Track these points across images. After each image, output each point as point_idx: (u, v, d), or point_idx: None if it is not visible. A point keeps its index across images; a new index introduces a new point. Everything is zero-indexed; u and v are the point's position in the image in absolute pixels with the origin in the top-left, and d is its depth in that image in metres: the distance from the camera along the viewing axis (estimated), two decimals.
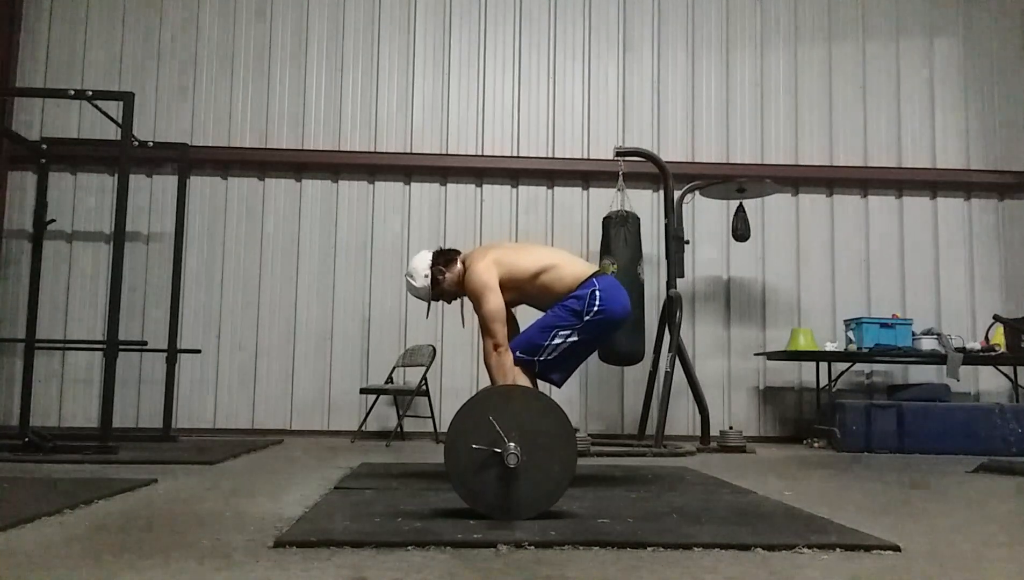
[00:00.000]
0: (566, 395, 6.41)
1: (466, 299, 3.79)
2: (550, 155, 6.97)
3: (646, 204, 6.88)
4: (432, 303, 3.91)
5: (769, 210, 7.02)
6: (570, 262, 3.65)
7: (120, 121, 5.08)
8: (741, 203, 6.47)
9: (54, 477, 3.59)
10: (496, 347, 3.45)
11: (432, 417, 6.35)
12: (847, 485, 3.85)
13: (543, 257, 3.64)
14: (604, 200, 6.65)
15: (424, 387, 6.19)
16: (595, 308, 3.46)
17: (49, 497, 2.92)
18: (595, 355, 5.64)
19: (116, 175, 6.00)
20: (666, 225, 6.11)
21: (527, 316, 3.78)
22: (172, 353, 6.12)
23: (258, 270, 6.78)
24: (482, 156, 6.92)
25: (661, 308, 6.10)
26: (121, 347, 5.29)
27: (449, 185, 6.94)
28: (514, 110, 7.04)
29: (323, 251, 6.82)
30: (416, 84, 7.03)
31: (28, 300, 5.63)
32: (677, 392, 6.09)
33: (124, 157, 5.04)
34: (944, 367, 6.27)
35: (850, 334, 6.43)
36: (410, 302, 6.67)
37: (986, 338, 6.46)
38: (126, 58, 6.92)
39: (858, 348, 6.28)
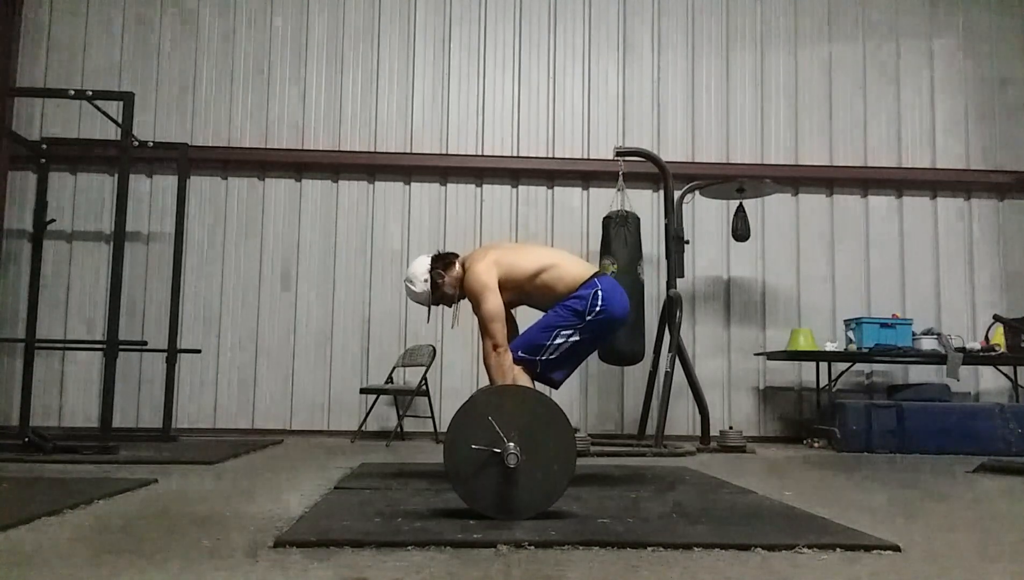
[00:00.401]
0: (566, 395, 6.41)
1: (460, 301, 3.80)
2: (550, 155, 6.97)
3: (646, 204, 6.88)
4: (432, 307, 3.90)
5: (769, 210, 7.02)
6: (570, 262, 3.65)
7: (120, 121, 5.08)
8: (741, 203, 6.47)
9: (54, 477, 3.59)
10: (495, 347, 3.45)
11: (432, 417, 6.35)
12: (847, 485, 3.85)
13: (543, 257, 3.65)
14: (604, 200, 6.64)
15: (424, 387, 6.19)
16: (597, 308, 3.47)
17: (49, 497, 2.92)
18: (595, 355, 5.64)
19: (116, 175, 6.00)
20: (666, 225, 6.11)
21: (527, 317, 3.79)
22: (172, 353, 6.12)
23: (258, 270, 6.78)
24: (482, 156, 6.92)
25: (661, 308, 6.10)
26: (121, 347, 5.28)
27: (449, 185, 6.94)
28: (514, 110, 7.04)
29: (323, 251, 6.82)
30: (416, 84, 7.03)
31: (28, 300, 5.63)
32: (677, 392, 6.09)
33: (124, 157, 5.04)
34: (944, 367, 6.27)
35: (850, 334, 6.43)
36: (410, 302, 6.66)
37: (986, 338, 6.46)
38: (126, 58, 6.92)
39: (858, 348, 6.28)
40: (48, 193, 5.91)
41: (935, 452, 5.70)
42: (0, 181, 6.62)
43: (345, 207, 6.88)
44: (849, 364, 6.53)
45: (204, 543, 2.25)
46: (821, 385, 6.60)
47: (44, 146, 5.90)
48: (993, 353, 6.32)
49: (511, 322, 3.78)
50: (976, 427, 5.79)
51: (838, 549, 2.23)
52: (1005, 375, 6.66)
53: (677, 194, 6.20)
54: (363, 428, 6.41)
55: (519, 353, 3.50)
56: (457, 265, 3.72)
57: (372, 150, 6.91)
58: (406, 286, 3.80)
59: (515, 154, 6.96)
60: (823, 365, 6.61)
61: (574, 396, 6.66)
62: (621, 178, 6.17)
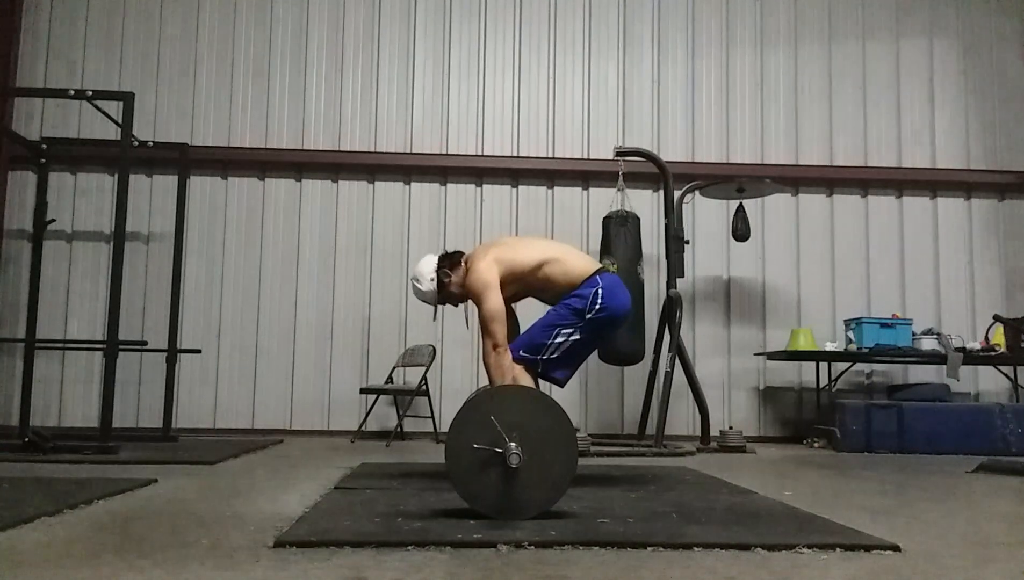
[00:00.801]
0: (566, 395, 6.40)
1: (468, 301, 3.79)
2: (550, 155, 6.97)
3: (646, 204, 6.88)
4: (440, 307, 3.90)
5: (769, 210, 7.02)
6: (573, 256, 3.65)
7: (120, 121, 5.08)
8: (741, 203, 6.47)
9: (54, 477, 3.59)
10: (495, 347, 3.45)
11: (432, 417, 6.35)
12: (847, 485, 3.85)
13: (545, 250, 3.65)
14: (604, 200, 6.64)
15: (424, 387, 6.19)
16: (598, 306, 3.47)
17: (49, 497, 2.92)
18: (595, 355, 5.64)
19: (116, 175, 6.00)
20: (666, 225, 6.11)
21: (529, 316, 3.79)
22: (172, 353, 6.12)
23: (258, 270, 6.78)
24: (482, 156, 6.92)
25: (661, 308, 6.10)
26: (121, 347, 5.28)
27: (449, 185, 6.94)
28: (514, 110, 7.04)
29: (323, 251, 6.82)
30: (416, 84, 7.03)
31: (28, 300, 5.63)
32: (677, 392, 6.09)
33: (124, 157, 5.04)
34: (944, 367, 6.27)
35: (850, 334, 6.43)
36: (410, 302, 6.67)
37: (986, 338, 6.46)
38: (126, 58, 6.92)
39: (858, 348, 6.28)
40: (48, 193, 5.91)
41: (935, 452, 5.70)
42: (0, 181, 6.63)
43: (345, 207, 6.88)
44: (849, 364, 6.53)
45: (204, 543, 2.25)
46: (821, 385, 6.60)
47: (44, 146, 5.90)
48: (993, 353, 6.32)
49: (512, 319, 3.78)
50: (976, 427, 5.79)
51: (838, 549, 2.24)
52: (1005, 375, 6.66)
53: (677, 194, 6.20)
54: (363, 428, 6.41)
55: (520, 353, 3.50)
56: (463, 264, 3.72)
57: (372, 150, 6.91)
58: (412, 285, 3.80)
59: (515, 154, 6.96)
60: (823, 365, 6.61)
61: (574, 396, 6.66)
62: (621, 178, 6.17)
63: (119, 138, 5.09)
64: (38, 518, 2.56)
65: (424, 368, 6.21)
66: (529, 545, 2.23)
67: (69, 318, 6.62)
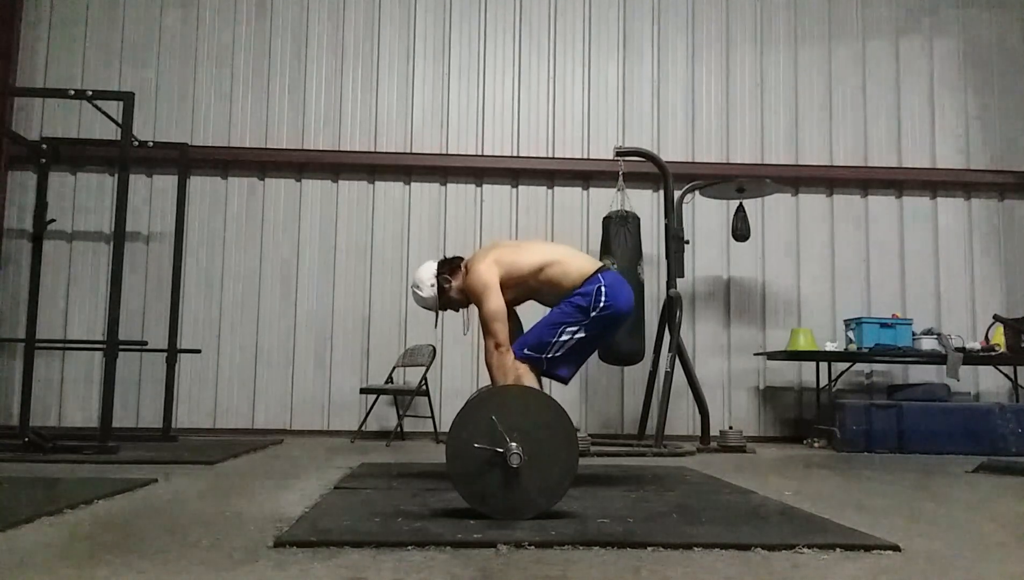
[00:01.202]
0: (566, 395, 6.40)
1: (470, 306, 3.79)
2: (550, 155, 6.97)
3: (646, 204, 6.88)
4: (440, 312, 3.89)
5: (769, 210, 7.02)
6: (573, 257, 3.65)
7: (120, 121, 5.08)
8: (741, 203, 6.47)
9: (54, 477, 3.59)
10: (497, 346, 3.45)
11: (432, 417, 6.35)
12: (847, 485, 3.85)
13: (545, 253, 3.65)
14: (604, 200, 6.64)
15: (424, 387, 6.19)
16: (602, 303, 3.47)
17: (49, 497, 2.92)
18: (595, 355, 5.64)
19: (116, 175, 6.00)
20: (666, 225, 6.11)
21: (533, 314, 3.79)
22: (172, 353, 6.11)
23: (258, 270, 6.78)
24: (482, 156, 6.92)
25: (661, 308, 6.10)
26: (121, 347, 5.29)
27: (449, 185, 6.94)
28: (514, 110, 7.04)
29: (323, 251, 6.82)
30: (416, 84, 7.03)
31: (28, 300, 5.62)
32: (677, 392, 6.09)
33: (124, 157, 5.04)
34: (944, 367, 6.27)
35: (850, 334, 6.43)
36: (410, 302, 6.66)
37: (986, 338, 6.45)
38: (126, 58, 6.92)
39: (858, 348, 6.28)
40: (48, 193, 5.89)
41: (935, 452, 5.70)
42: (0, 181, 6.63)
43: (345, 207, 6.88)
44: (849, 364, 6.53)
45: (204, 543, 2.25)
46: (821, 385, 6.60)
47: (44, 146, 5.89)
48: (993, 353, 6.32)
49: (515, 320, 3.78)
50: (976, 427, 5.79)
51: (838, 549, 2.24)
52: (1005, 375, 6.66)
53: (677, 194, 6.20)
54: (363, 428, 6.41)
55: (525, 351, 3.50)
56: (463, 269, 3.72)
57: (372, 150, 6.91)
58: (413, 292, 3.80)
59: (515, 154, 6.96)
60: (823, 365, 6.61)
61: (574, 396, 6.65)
62: (621, 178, 6.17)
63: (119, 138, 5.09)
64: (38, 518, 2.56)
65: (424, 368, 6.21)
66: (529, 545, 2.23)
67: (69, 318, 6.62)
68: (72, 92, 5.12)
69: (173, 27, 6.97)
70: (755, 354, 6.82)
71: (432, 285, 3.72)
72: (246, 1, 7.02)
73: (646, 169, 6.38)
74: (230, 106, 6.92)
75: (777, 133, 7.12)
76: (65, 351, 6.50)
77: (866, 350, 6.23)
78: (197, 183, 6.82)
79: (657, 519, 2.64)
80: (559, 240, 6.80)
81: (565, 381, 3.67)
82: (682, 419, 6.68)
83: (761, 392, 6.88)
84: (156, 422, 6.25)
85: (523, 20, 7.12)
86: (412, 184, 6.93)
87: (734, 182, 6.24)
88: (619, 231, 5.93)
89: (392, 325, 6.74)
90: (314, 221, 6.85)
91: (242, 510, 2.83)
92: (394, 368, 6.53)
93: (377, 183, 6.92)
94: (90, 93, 5.11)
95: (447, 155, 6.91)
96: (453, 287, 3.71)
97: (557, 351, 3.50)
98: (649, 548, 2.22)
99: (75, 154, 6.62)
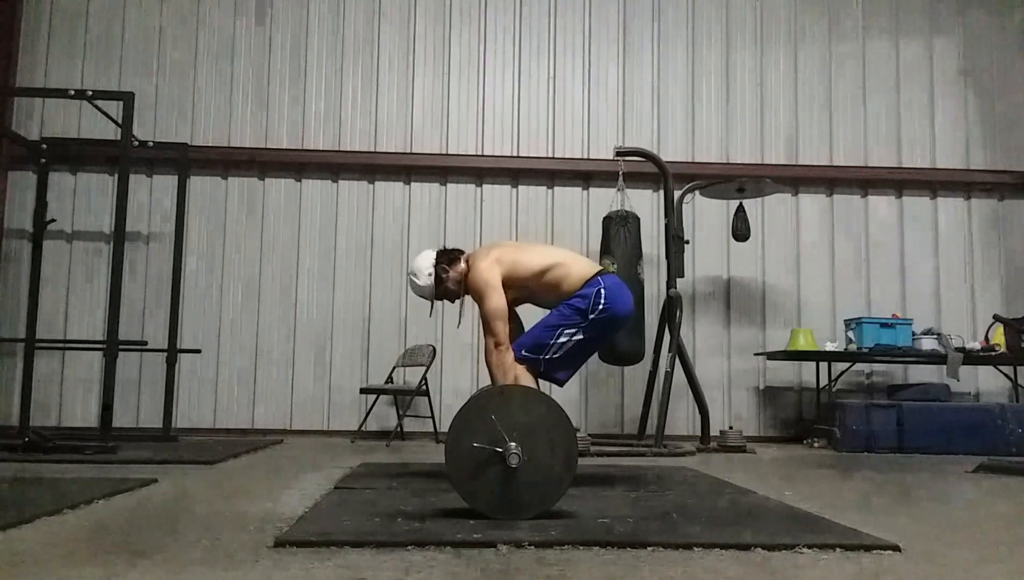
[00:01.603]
0: (566, 395, 6.40)
1: (465, 298, 3.79)
2: (550, 155, 6.97)
3: (646, 204, 6.88)
4: (435, 302, 3.90)
5: (769, 210, 7.02)
6: (574, 260, 3.65)
7: (120, 121, 5.08)
8: (741, 203, 6.47)
9: (54, 477, 3.59)
10: (497, 345, 3.45)
11: (432, 417, 6.35)
12: (847, 485, 3.85)
13: (547, 255, 3.66)
14: (604, 200, 6.64)
15: (424, 387, 6.19)
16: (600, 306, 3.47)
17: (49, 497, 2.92)
18: (595, 355, 5.63)
19: (116, 175, 6.00)
20: (666, 225, 6.11)
21: (532, 316, 3.79)
22: (172, 353, 6.11)
23: (258, 270, 6.78)
24: (482, 156, 6.92)
25: (661, 308, 6.10)
26: (121, 347, 5.29)
27: (449, 185, 6.94)
28: (514, 110, 7.04)
29: (323, 251, 6.82)
30: (416, 84, 7.03)
31: (28, 300, 5.64)
32: (677, 392, 6.09)
33: (124, 157, 5.04)
34: (944, 367, 6.27)
35: (850, 334, 6.43)
36: (410, 302, 6.67)
37: (986, 338, 6.45)
38: (126, 58, 6.92)
39: (858, 348, 6.28)
40: (48, 193, 5.91)
41: (935, 452, 5.70)
42: (0, 181, 6.63)
43: (345, 207, 6.88)
44: (849, 364, 6.53)
45: (204, 543, 2.25)
46: (821, 385, 6.60)
47: (44, 146, 5.90)
48: (993, 353, 6.32)
49: (516, 321, 3.78)
50: (976, 427, 5.79)
51: (838, 549, 2.23)
52: (1005, 375, 6.66)
53: (677, 194, 6.20)
54: (363, 428, 6.41)
55: (523, 352, 3.50)
56: (462, 262, 3.72)
57: (372, 150, 6.91)
58: (410, 279, 3.81)
59: (515, 154, 6.96)
60: (823, 365, 6.61)
61: (574, 396, 6.65)
62: (621, 178, 6.17)
63: (119, 138, 5.09)
64: (38, 518, 2.56)
65: (424, 368, 6.21)
66: (529, 545, 2.23)
67: (69, 318, 6.62)
68: (72, 92, 5.12)
69: (173, 27, 6.97)
70: (755, 354, 6.82)
71: (429, 274, 3.72)
72: (246, 1, 7.03)
73: (646, 169, 6.38)
74: (230, 106, 6.92)
75: (777, 133, 7.12)
76: (65, 351, 6.50)
77: (866, 350, 6.23)
78: (197, 183, 6.82)
79: (657, 519, 2.64)
80: (559, 240, 6.81)
81: (561, 383, 3.67)
82: (682, 419, 6.68)
83: (761, 392, 6.88)
84: (156, 422, 6.24)
85: (523, 20, 7.12)
86: (412, 184, 6.93)
87: (734, 182, 6.24)
88: (619, 231, 5.93)
89: (392, 325, 6.74)
90: (314, 221, 6.85)
91: (242, 510, 2.83)
92: (394, 368, 6.53)
93: (377, 183, 6.92)
94: (90, 93, 5.12)
95: (447, 155, 6.91)
96: (450, 278, 3.72)
97: (555, 353, 3.50)
98: (649, 548, 2.22)
99: (75, 154, 6.62)
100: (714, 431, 6.04)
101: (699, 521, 2.61)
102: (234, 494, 3.24)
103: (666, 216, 6.11)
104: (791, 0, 7.25)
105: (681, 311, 5.91)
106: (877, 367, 6.91)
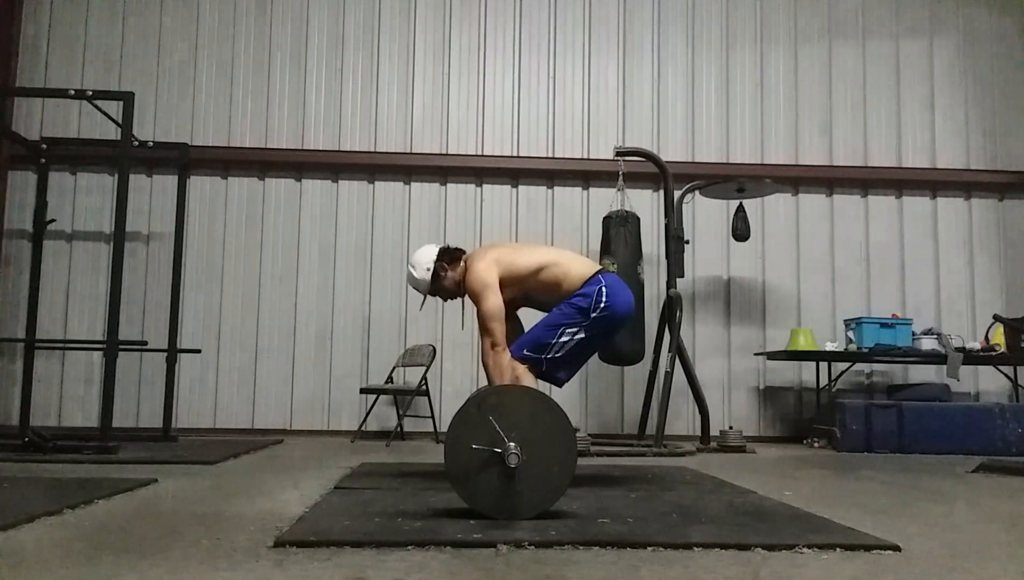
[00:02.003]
0: (566, 395, 6.40)
1: (468, 301, 3.79)
2: (550, 155, 6.97)
3: (646, 204, 6.88)
4: (428, 298, 3.89)
5: (769, 210, 7.02)
6: (573, 259, 3.65)
7: (120, 121, 5.08)
8: (741, 203, 6.47)
9: (54, 477, 3.59)
10: (494, 346, 3.45)
11: (432, 417, 6.35)
12: (847, 485, 3.85)
13: (544, 255, 3.66)
14: (604, 200, 6.64)
15: (424, 387, 6.19)
16: (602, 304, 3.47)
17: (49, 497, 2.92)
18: (595, 355, 5.64)
19: (116, 175, 6.00)
20: (666, 225, 6.11)
21: (531, 317, 3.79)
22: (172, 353, 6.11)
23: (258, 270, 6.77)
24: (482, 156, 6.92)
25: (661, 308, 6.09)
26: (121, 347, 5.28)
27: (449, 185, 6.94)
28: (514, 110, 7.03)
29: (323, 251, 6.82)
30: (416, 84, 7.03)
31: (28, 300, 5.64)
32: (677, 392, 6.09)
33: (124, 157, 5.04)
34: (944, 367, 6.27)
35: (850, 334, 6.43)
36: (410, 302, 6.67)
37: (986, 338, 6.45)
38: (126, 58, 6.92)
39: (858, 348, 6.28)
40: (48, 193, 5.91)
41: (935, 452, 5.70)
42: (0, 181, 6.63)
43: (345, 207, 6.88)
44: (849, 364, 6.53)
45: (204, 543, 2.25)
46: (821, 385, 6.60)
47: (44, 146, 5.90)
48: (993, 353, 6.32)
49: (516, 322, 3.78)
50: (976, 427, 5.79)
51: (838, 549, 2.24)
52: (1005, 375, 6.66)
53: (677, 194, 6.20)
54: (363, 428, 6.41)
55: (524, 352, 3.49)
56: (462, 262, 3.72)
57: (372, 150, 6.91)
58: (408, 270, 3.81)
59: (515, 154, 6.96)
60: (823, 365, 6.61)
61: (574, 396, 6.65)
62: (621, 178, 6.17)
63: (119, 138, 5.09)
64: (38, 518, 2.56)
65: (424, 368, 6.21)
66: (529, 545, 2.23)
67: (69, 318, 6.62)
68: (72, 92, 5.12)
69: (173, 27, 6.97)
70: (755, 354, 6.82)
71: (428, 269, 3.73)
72: (246, 2, 7.02)
73: (646, 169, 6.38)
74: (230, 106, 6.92)
75: (777, 133, 7.12)
76: (65, 351, 6.50)
77: (866, 350, 6.23)
78: (197, 183, 6.82)
79: (657, 519, 2.64)
80: (559, 240, 6.81)
81: (560, 384, 3.67)
82: (682, 419, 6.68)
83: (761, 392, 6.88)
84: (156, 422, 6.24)
85: (523, 20, 7.12)
86: (412, 184, 6.93)
87: (734, 182, 6.24)
88: (619, 231, 5.93)
89: (392, 325, 6.74)
90: (314, 221, 6.85)
91: (242, 510, 2.83)
92: (394, 368, 6.53)
93: (377, 183, 6.92)
94: (90, 93, 5.12)
95: (447, 155, 6.91)
96: (448, 277, 3.72)
97: (557, 352, 3.49)
98: (649, 548, 2.22)
99: (75, 154, 6.62)
100: (714, 431, 6.04)
101: (699, 521, 2.61)
102: (234, 494, 3.24)
103: (666, 216, 6.11)
104: (791, 0, 7.25)
105: (681, 311, 5.91)
106: (877, 367, 6.91)
